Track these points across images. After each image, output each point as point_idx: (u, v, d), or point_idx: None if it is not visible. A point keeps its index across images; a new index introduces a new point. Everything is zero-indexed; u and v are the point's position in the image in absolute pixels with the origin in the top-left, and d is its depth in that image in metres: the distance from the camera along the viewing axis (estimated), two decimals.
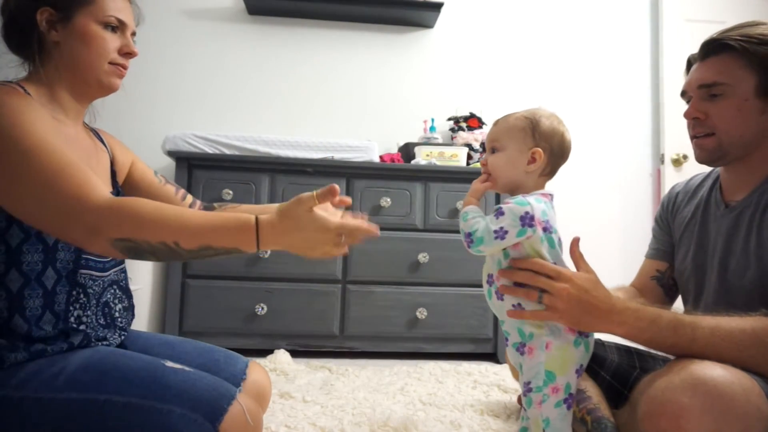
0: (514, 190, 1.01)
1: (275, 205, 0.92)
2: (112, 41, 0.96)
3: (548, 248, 0.95)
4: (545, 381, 0.92)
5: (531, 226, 0.92)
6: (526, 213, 0.92)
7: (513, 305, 0.96)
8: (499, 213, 0.93)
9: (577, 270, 0.96)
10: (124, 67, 0.99)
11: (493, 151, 1.03)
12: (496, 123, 1.05)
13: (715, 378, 0.75)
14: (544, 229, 0.94)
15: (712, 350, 0.84)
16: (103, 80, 0.97)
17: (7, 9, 0.94)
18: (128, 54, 0.99)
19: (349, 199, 0.89)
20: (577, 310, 0.90)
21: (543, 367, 0.92)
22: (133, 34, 1.02)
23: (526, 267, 0.93)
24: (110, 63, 0.96)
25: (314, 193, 0.81)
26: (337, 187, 0.81)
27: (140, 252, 0.80)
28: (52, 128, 0.84)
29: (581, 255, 0.97)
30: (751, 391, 0.76)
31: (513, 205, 0.93)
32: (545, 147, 0.99)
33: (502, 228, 0.92)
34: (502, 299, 0.98)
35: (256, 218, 0.81)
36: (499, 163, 1.02)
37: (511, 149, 1.00)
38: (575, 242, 0.98)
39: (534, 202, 0.94)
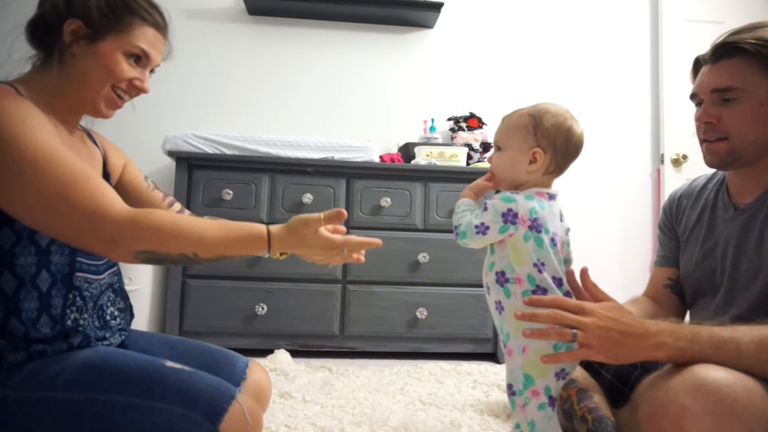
0: (518, 189, 1.00)
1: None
2: (129, 72, 0.94)
3: (534, 247, 0.92)
4: (525, 384, 0.91)
5: (513, 223, 0.91)
6: (509, 210, 0.92)
7: (495, 302, 0.96)
8: (484, 208, 0.94)
9: (595, 301, 0.92)
10: (122, 98, 0.97)
11: (498, 149, 1.02)
12: (503, 119, 1.04)
13: (717, 379, 0.75)
14: (531, 228, 0.92)
15: (761, 366, 0.80)
16: (98, 104, 0.95)
17: (43, 6, 0.93)
18: (136, 89, 0.97)
19: (345, 214, 0.91)
20: (611, 342, 0.84)
21: (521, 371, 0.92)
22: (155, 66, 1.00)
23: (547, 305, 0.87)
24: (113, 86, 0.94)
25: (321, 215, 0.88)
26: (344, 211, 0.89)
27: (160, 261, 0.85)
28: (55, 134, 0.84)
29: (595, 285, 0.93)
30: (754, 393, 0.75)
31: (497, 201, 0.94)
32: (547, 146, 0.96)
33: (483, 224, 0.93)
34: (489, 293, 0.98)
35: (268, 230, 0.88)
36: (501, 163, 1.01)
37: (512, 149, 0.99)
38: (585, 273, 0.93)
39: (521, 200, 0.93)
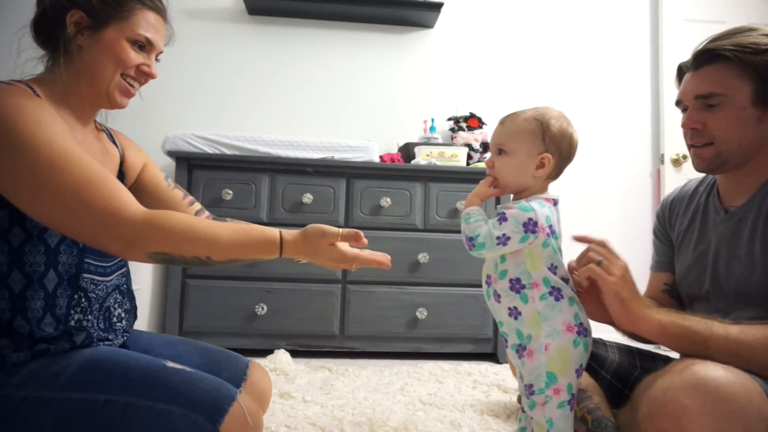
0: (520, 194, 1.00)
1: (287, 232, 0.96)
2: (135, 58, 0.96)
3: (551, 253, 0.94)
4: (547, 383, 0.91)
5: (534, 232, 0.91)
6: (530, 219, 0.91)
7: (509, 308, 0.96)
8: (503, 218, 0.92)
9: None
10: (133, 86, 0.99)
11: (500, 152, 0.99)
12: (503, 122, 1.01)
13: (717, 378, 0.75)
14: (548, 234, 0.93)
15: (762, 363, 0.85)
16: (111, 94, 0.96)
17: (42, 2, 0.94)
18: (145, 74, 0.98)
19: (363, 238, 0.96)
20: (625, 284, 0.95)
21: (544, 369, 0.91)
22: (159, 53, 1.01)
23: (595, 242, 1.00)
24: (122, 74, 0.96)
25: (339, 231, 0.91)
26: (361, 234, 0.93)
27: (173, 262, 0.86)
28: (70, 135, 0.84)
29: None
30: (753, 392, 0.76)
31: (516, 211, 0.92)
32: (554, 151, 0.96)
33: (504, 234, 0.91)
34: (499, 301, 0.98)
35: (281, 236, 0.90)
36: (508, 168, 0.98)
37: (520, 154, 0.97)
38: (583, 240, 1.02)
39: (538, 208, 0.93)
